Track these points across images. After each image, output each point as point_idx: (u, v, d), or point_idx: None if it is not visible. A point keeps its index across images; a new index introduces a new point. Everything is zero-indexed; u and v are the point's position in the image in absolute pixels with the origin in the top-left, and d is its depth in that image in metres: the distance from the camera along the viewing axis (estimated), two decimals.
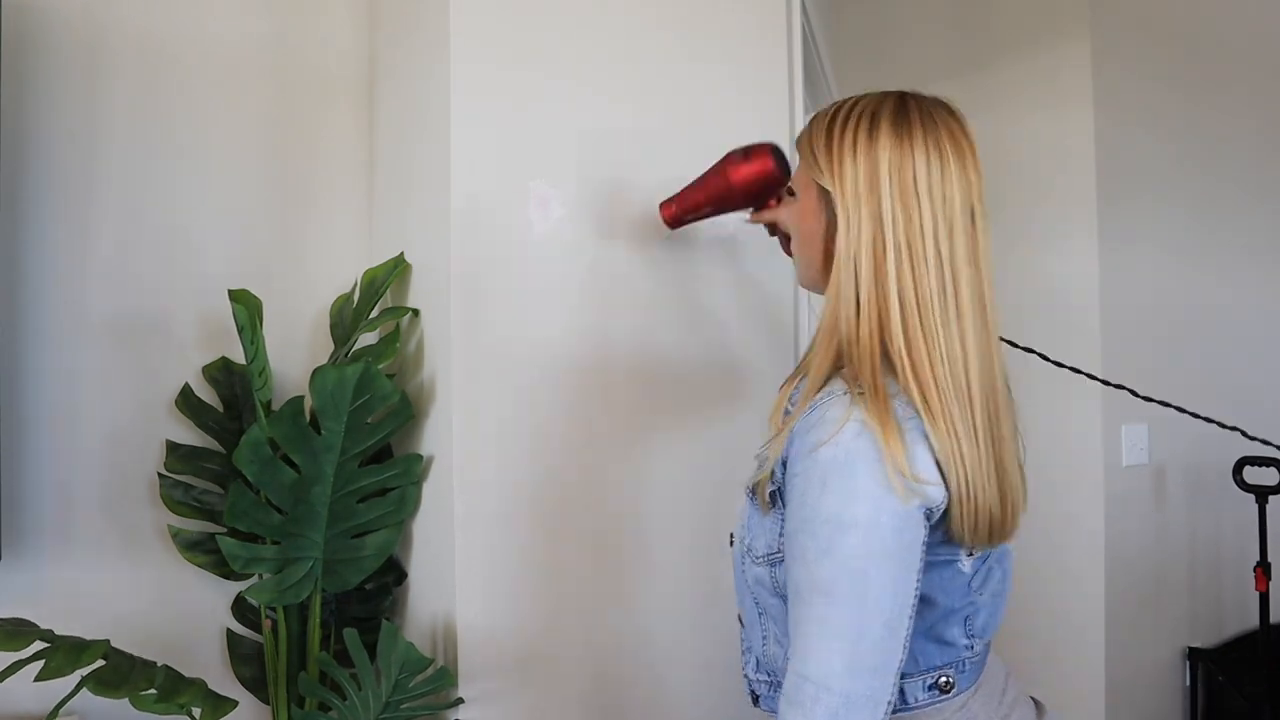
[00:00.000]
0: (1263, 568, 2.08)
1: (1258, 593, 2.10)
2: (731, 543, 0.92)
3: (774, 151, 1.21)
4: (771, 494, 0.82)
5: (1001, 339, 1.14)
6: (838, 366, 0.80)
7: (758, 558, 0.84)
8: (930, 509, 0.75)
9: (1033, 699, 0.93)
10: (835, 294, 0.79)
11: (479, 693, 1.29)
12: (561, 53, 1.38)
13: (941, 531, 0.78)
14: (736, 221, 1.50)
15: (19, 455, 1.38)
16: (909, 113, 0.79)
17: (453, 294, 1.29)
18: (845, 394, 0.76)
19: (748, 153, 1.21)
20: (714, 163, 1.25)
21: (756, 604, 0.88)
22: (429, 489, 1.38)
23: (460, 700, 1.27)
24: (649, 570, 1.42)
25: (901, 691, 0.80)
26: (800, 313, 1.61)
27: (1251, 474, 2.16)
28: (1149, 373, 2.22)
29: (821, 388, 0.79)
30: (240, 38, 1.56)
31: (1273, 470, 2.13)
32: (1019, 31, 2.26)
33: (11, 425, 1.37)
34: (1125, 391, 1.63)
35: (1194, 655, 2.32)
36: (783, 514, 0.80)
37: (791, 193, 0.93)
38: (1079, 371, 1.54)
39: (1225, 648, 2.36)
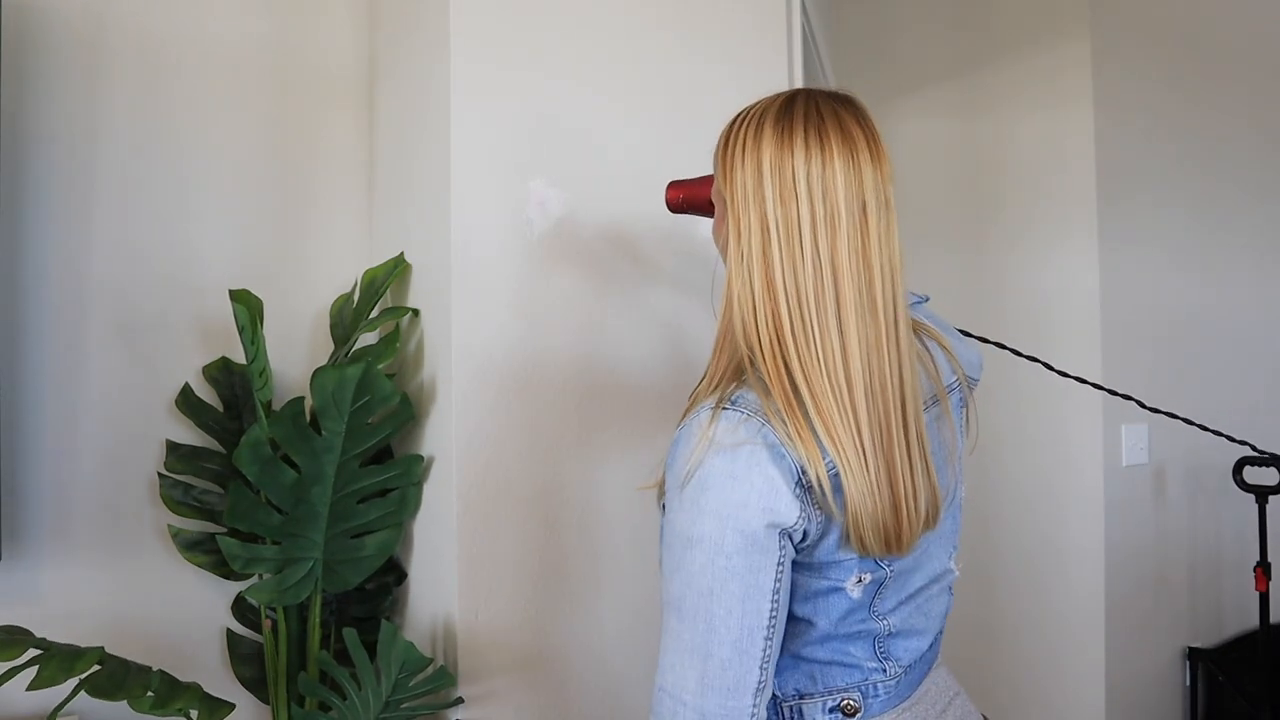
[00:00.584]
0: (1263, 568, 2.08)
1: (1258, 593, 2.10)
2: None
3: None
4: (662, 505, 0.80)
5: (1005, 347, 1.11)
6: (739, 372, 0.77)
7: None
8: (786, 529, 0.72)
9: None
10: (732, 298, 0.77)
11: (479, 693, 1.29)
12: (561, 53, 1.38)
13: (833, 545, 0.75)
14: None
15: (19, 455, 1.38)
16: (794, 109, 0.77)
17: (453, 294, 1.29)
18: (714, 407, 0.75)
19: None
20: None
21: None
22: (429, 489, 1.38)
23: (460, 700, 1.27)
24: (648, 570, 1.42)
25: (800, 712, 0.80)
26: None
27: (1251, 474, 2.16)
28: (1149, 373, 2.23)
29: (718, 395, 0.77)
30: (240, 38, 1.56)
31: (1273, 470, 2.13)
32: (1019, 31, 2.26)
33: (11, 425, 1.37)
34: (1132, 400, 1.63)
35: (1194, 655, 2.32)
36: None
37: (711, 204, 0.92)
38: (1084, 381, 1.54)
39: (1225, 648, 2.36)
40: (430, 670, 1.22)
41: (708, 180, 1.18)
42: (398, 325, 1.44)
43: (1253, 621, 2.24)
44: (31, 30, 1.40)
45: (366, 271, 1.48)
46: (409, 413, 1.37)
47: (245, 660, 1.47)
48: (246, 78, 1.57)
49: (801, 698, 0.80)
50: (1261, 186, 2.56)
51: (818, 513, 0.73)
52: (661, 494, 0.80)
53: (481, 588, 1.29)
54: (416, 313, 1.43)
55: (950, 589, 0.90)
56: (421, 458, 1.38)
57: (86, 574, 1.42)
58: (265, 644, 1.40)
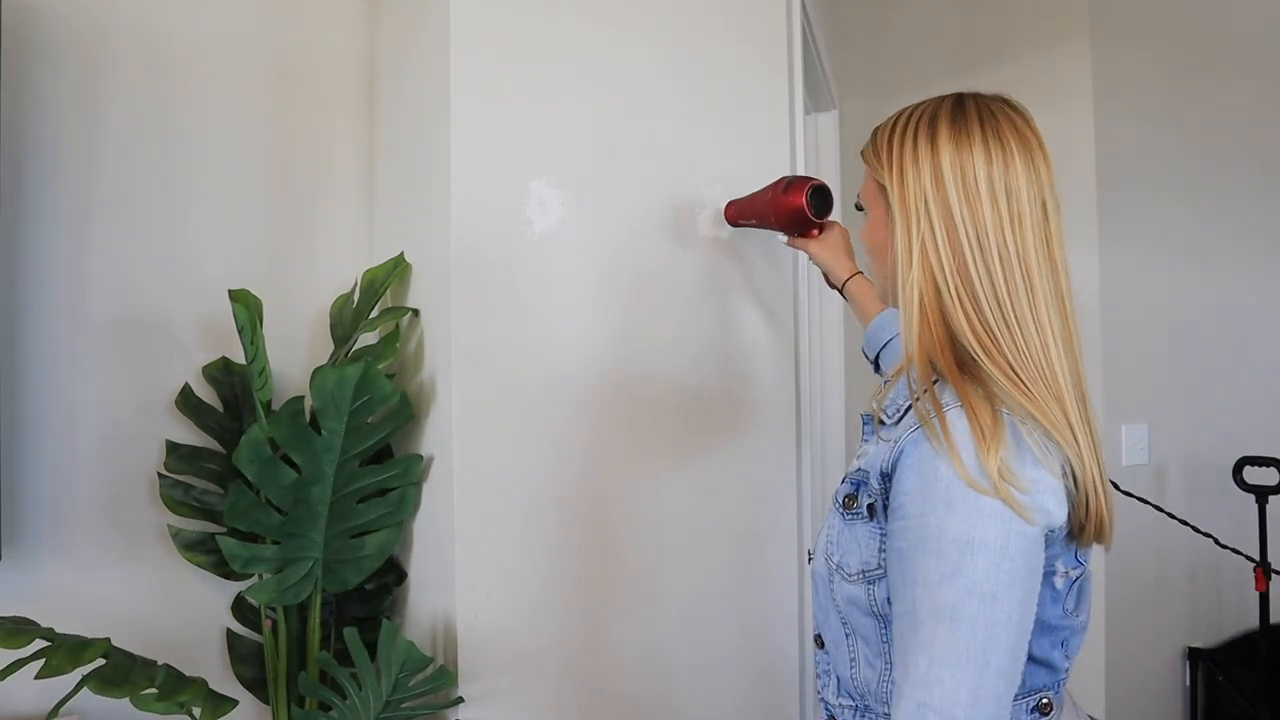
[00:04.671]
0: (1263, 568, 2.08)
1: (1258, 593, 2.10)
2: (810, 559, 0.89)
3: (814, 192, 1.29)
4: (869, 506, 0.79)
5: None
6: (959, 369, 0.77)
7: (850, 575, 0.80)
8: (1052, 529, 0.73)
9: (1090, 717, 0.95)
10: (915, 299, 0.78)
11: (479, 692, 1.29)
12: (562, 53, 1.38)
13: (1053, 541, 0.76)
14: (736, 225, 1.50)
15: (19, 455, 1.38)
16: (966, 111, 0.80)
17: (453, 294, 1.29)
18: (960, 407, 0.73)
19: (789, 185, 1.31)
20: (772, 181, 1.35)
21: (844, 624, 0.83)
22: (429, 489, 1.38)
23: (460, 700, 1.27)
24: (648, 570, 1.42)
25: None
26: (800, 318, 1.61)
27: (1251, 474, 2.16)
28: (1149, 373, 2.23)
29: (920, 396, 0.76)
30: (240, 37, 1.56)
31: (1273, 470, 2.13)
32: (1019, 31, 2.26)
33: (11, 425, 1.37)
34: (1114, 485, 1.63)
35: (1194, 655, 2.32)
36: (882, 528, 0.77)
37: (859, 208, 0.92)
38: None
39: (1225, 648, 2.36)
40: (430, 670, 1.22)
41: (751, 198, 1.39)
42: (398, 325, 1.44)
43: (1253, 621, 2.24)
44: (31, 30, 1.40)
45: (366, 271, 1.48)
46: (409, 412, 1.37)
47: (245, 660, 1.47)
48: (246, 77, 1.57)
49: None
50: (1262, 185, 2.56)
51: (1071, 510, 0.75)
52: (859, 497, 0.80)
53: (481, 588, 1.29)
54: (416, 313, 1.43)
55: None
56: (421, 457, 1.38)
57: (86, 574, 1.42)
58: (265, 644, 1.40)
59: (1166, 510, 1.51)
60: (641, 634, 1.41)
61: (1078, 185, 2.14)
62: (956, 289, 0.76)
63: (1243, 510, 2.18)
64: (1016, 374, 0.74)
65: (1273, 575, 2.07)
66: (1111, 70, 2.17)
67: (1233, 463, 2.17)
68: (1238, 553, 1.75)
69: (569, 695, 1.35)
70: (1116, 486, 1.31)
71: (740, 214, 1.44)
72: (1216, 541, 1.88)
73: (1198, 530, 1.74)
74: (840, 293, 1.32)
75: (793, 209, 1.28)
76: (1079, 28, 2.16)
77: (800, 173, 1.64)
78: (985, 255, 0.76)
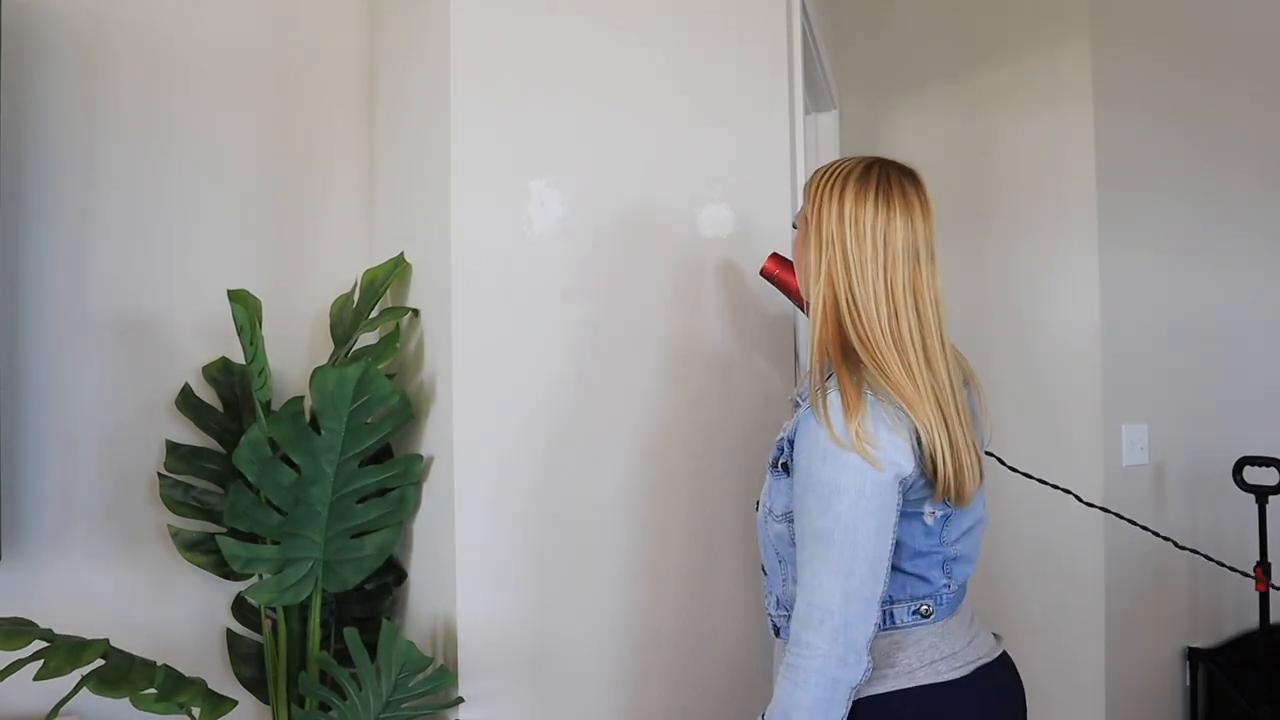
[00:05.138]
0: (1263, 568, 2.08)
1: (1258, 593, 2.10)
2: (757, 508, 1.15)
3: None
4: (783, 464, 1.06)
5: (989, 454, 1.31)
6: (843, 362, 1.01)
7: (777, 517, 1.07)
8: (903, 479, 0.98)
9: (993, 634, 1.18)
10: (824, 308, 1.03)
11: (479, 692, 1.29)
12: (562, 53, 1.38)
13: (917, 489, 1.02)
14: (735, 226, 1.50)
15: (19, 455, 1.38)
16: (870, 174, 1.04)
17: (453, 294, 1.29)
18: (836, 389, 0.99)
19: None
20: None
21: (777, 554, 1.10)
22: (429, 489, 1.38)
23: (460, 700, 1.27)
24: (648, 569, 1.42)
25: (892, 614, 1.05)
26: (801, 316, 1.61)
27: (1251, 474, 2.16)
28: (1149, 373, 2.22)
29: (822, 383, 1.01)
30: (240, 37, 1.57)
31: (1273, 470, 2.13)
32: (1019, 31, 2.26)
33: (12, 425, 1.37)
34: (1071, 494, 1.67)
35: (1194, 655, 2.31)
36: (792, 480, 1.03)
37: (795, 226, 1.15)
38: (1030, 477, 1.63)
39: (1225, 648, 2.36)
40: (430, 670, 1.22)
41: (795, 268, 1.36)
42: (398, 325, 1.44)
43: (1253, 621, 2.24)
44: (31, 30, 1.40)
45: (366, 271, 1.48)
46: (408, 412, 1.37)
47: (245, 660, 1.47)
48: (247, 77, 1.57)
49: (893, 602, 1.05)
50: (1262, 184, 2.56)
51: (919, 466, 0.99)
52: (780, 459, 1.06)
53: (481, 588, 1.29)
54: (416, 313, 1.43)
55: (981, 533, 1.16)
56: (421, 457, 1.38)
57: (86, 574, 1.42)
58: (265, 644, 1.40)
59: (1099, 505, 1.57)
60: (641, 634, 1.41)
61: (1078, 185, 2.14)
62: (848, 302, 1.02)
63: (1243, 510, 2.17)
64: (883, 368, 0.99)
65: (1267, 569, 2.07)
66: (1111, 70, 2.17)
67: (1233, 463, 2.17)
68: (1198, 554, 1.71)
69: (568, 695, 1.35)
70: (1002, 462, 1.48)
71: (778, 279, 1.35)
72: (1178, 544, 1.80)
73: (1156, 534, 1.71)
74: None
75: None
76: (1079, 28, 2.15)
77: (801, 177, 1.64)
78: (866, 284, 1.01)
